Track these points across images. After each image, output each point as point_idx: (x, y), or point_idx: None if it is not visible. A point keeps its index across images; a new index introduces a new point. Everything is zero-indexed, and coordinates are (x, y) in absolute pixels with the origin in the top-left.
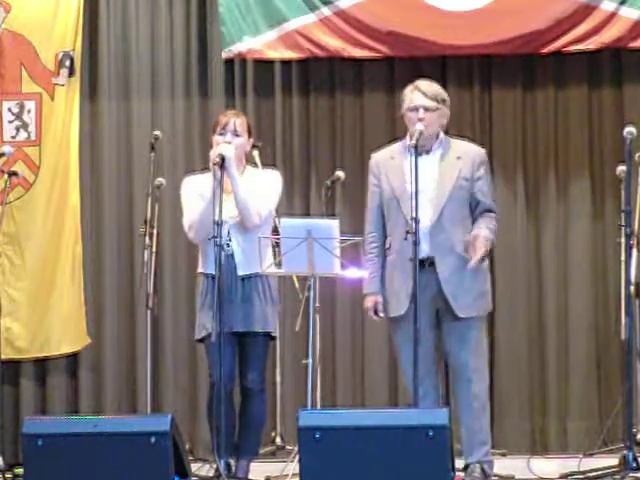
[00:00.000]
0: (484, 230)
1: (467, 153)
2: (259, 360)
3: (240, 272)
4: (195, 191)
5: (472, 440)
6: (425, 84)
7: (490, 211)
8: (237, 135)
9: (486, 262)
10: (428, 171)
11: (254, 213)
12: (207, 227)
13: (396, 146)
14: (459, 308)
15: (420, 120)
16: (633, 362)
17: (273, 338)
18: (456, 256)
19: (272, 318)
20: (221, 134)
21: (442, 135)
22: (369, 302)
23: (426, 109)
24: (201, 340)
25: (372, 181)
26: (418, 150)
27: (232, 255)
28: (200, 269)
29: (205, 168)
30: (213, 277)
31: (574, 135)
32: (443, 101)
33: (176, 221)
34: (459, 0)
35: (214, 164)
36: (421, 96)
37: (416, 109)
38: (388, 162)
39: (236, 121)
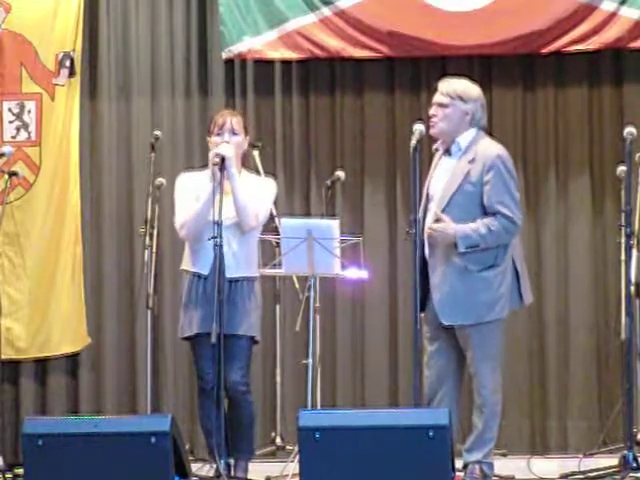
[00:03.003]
0: (464, 226)
1: (480, 156)
2: (242, 362)
3: (228, 274)
4: (190, 189)
5: (475, 439)
6: (447, 80)
7: (496, 214)
8: (235, 134)
9: (497, 270)
10: (443, 174)
11: (252, 215)
12: (200, 228)
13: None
14: (443, 316)
15: (432, 117)
16: (633, 362)
17: (256, 342)
18: (450, 264)
19: (256, 322)
20: (218, 134)
21: (466, 135)
22: None
23: (439, 105)
24: (186, 339)
25: None
26: (441, 150)
27: (222, 256)
28: (186, 266)
29: (204, 165)
30: (199, 276)
31: (574, 135)
32: (458, 97)
33: None
34: (459, 0)
35: (214, 164)
36: (437, 93)
37: (432, 106)
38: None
39: (233, 120)
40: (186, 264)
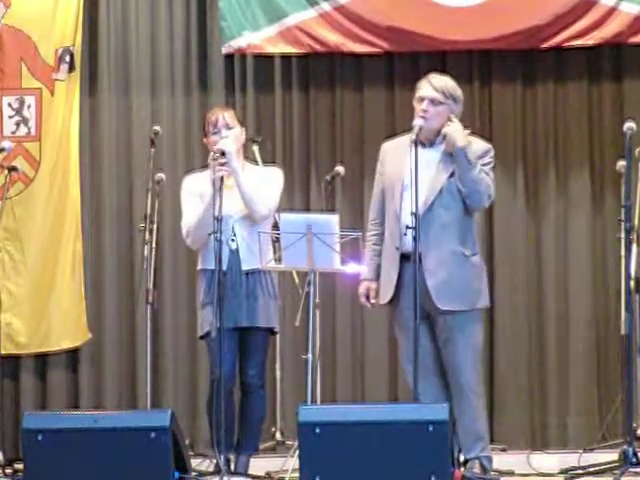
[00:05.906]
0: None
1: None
2: (260, 356)
3: (245, 267)
4: (194, 193)
5: (468, 436)
6: (437, 77)
7: None
8: (230, 128)
9: (479, 259)
10: (427, 165)
11: (262, 204)
12: (204, 235)
13: (406, 137)
14: (440, 300)
15: (423, 112)
16: (633, 357)
17: (274, 333)
18: (443, 250)
19: (274, 313)
20: (215, 133)
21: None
22: (361, 287)
23: (431, 101)
24: (205, 336)
25: (378, 168)
26: (420, 143)
27: (237, 250)
28: (202, 265)
29: (206, 165)
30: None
31: (574, 130)
32: (451, 97)
33: (176, 217)
34: None
35: (214, 159)
36: (429, 88)
37: (422, 100)
38: (393, 151)
39: (225, 115)
40: (203, 263)
